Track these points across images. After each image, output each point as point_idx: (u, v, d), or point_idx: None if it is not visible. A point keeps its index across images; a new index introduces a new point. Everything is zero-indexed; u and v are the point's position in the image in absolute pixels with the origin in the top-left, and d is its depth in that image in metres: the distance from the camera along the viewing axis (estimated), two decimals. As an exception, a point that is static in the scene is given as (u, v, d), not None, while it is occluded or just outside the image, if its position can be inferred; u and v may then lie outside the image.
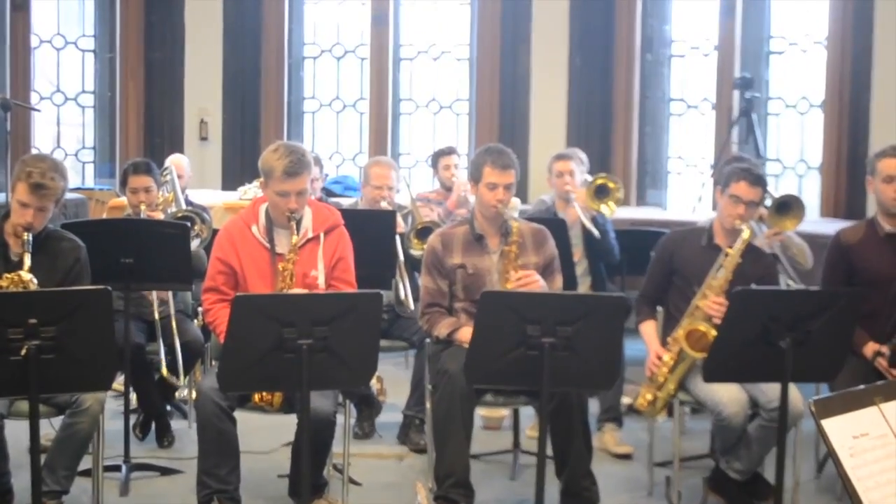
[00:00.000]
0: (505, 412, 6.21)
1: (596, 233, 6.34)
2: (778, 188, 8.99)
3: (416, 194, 7.47)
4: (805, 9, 9.23)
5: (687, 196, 9.86)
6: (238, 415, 4.67)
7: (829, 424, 2.68)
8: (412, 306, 6.13)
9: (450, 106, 10.56)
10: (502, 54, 10.09)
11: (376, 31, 10.34)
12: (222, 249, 4.91)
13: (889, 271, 5.01)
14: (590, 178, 6.65)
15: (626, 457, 5.89)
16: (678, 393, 5.09)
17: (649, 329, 5.29)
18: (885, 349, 4.91)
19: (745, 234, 5.00)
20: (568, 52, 9.92)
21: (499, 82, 10.11)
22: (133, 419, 5.83)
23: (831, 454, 2.66)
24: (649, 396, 5.11)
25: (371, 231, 5.86)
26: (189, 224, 5.78)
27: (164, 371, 5.86)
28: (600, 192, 6.43)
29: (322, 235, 4.93)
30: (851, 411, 2.73)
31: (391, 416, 6.29)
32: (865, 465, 2.66)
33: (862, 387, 2.83)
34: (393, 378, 6.81)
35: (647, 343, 5.27)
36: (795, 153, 9.36)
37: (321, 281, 4.88)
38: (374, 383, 6.28)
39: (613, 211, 6.45)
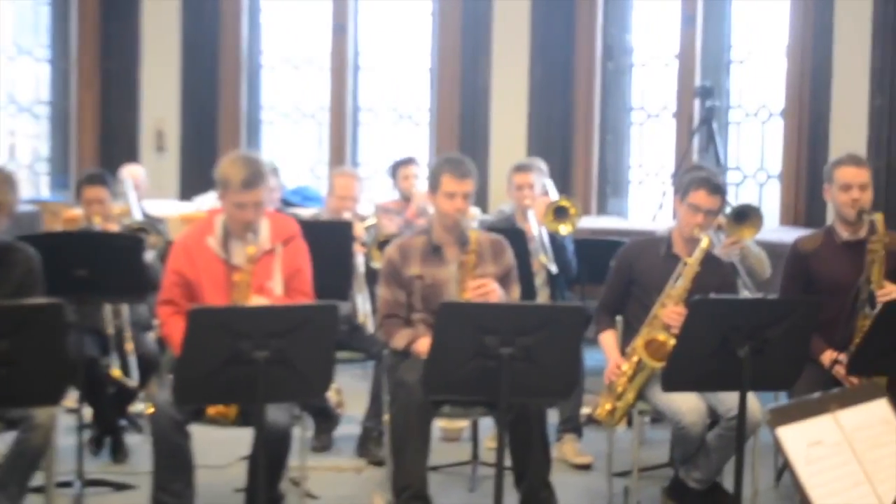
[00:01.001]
0: (464, 423, 6.19)
1: (553, 269, 6.32)
2: (738, 197, 9.04)
3: (375, 204, 7.46)
4: (765, 17, 9.26)
5: (648, 205, 9.87)
6: (193, 428, 4.60)
7: (784, 432, 2.67)
8: (370, 323, 6.10)
9: (410, 116, 10.54)
10: (463, 63, 10.08)
11: (336, 40, 10.30)
12: (178, 261, 4.86)
13: (847, 279, 5.01)
14: (550, 184, 6.64)
15: (585, 467, 5.88)
16: (637, 402, 5.08)
17: (608, 339, 5.28)
18: (842, 357, 4.89)
19: (704, 243, 5.00)
20: (529, 61, 9.92)
21: (459, 91, 10.09)
22: (87, 434, 5.77)
23: (787, 462, 2.65)
24: (608, 406, 5.09)
25: (329, 242, 5.82)
26: (143, 236, 5.73)
27: (117, 372, 5.77)
28: (559, 214, 6.41)
29: (279, 247, 4.88)
30: (807, 419, 2.72)
31: (350, 428, 6.25)
32: (821, 472, 2.65)
33: (817, 395, 2.83)
34: (351, 390, 6.76)
35: (606, 353, 5.25)
36: (756, 162, 9.37)
37: (278, 293, 4.84)
38: (331, 395, 6.24)
39: (570, 232, 6.43)
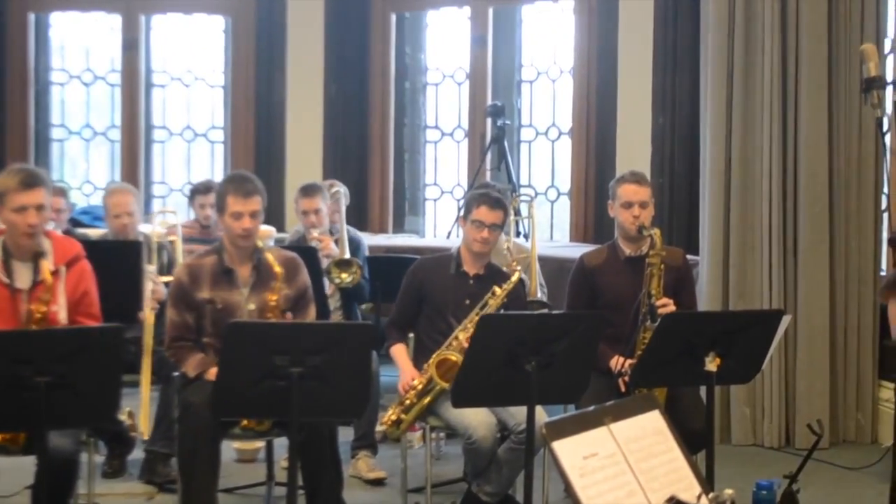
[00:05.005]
0: (260, 444, 6.13)
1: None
2: (531, 214, 9.21)
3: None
4: (553, 39, 9.48)
5: (444, 223, 9.97)
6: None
7: (559, 446, 2.73)
8: None
9: (204, 134, 10.39)
10: (257, 81, 9.99)
11: (127, 56, 10.09)
12: (-44, 286, 4.69)
13: (630, 293, 5.16)
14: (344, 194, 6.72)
15: (379, 482, 5.90)
16: (430, 418, 5.14)
17: (400, 351, 5.35)
18: (627, 367, 5.02)
19: (514, 277, 5.21)
20: (323, 79, 9.90)
21: (254, 110, 10.00)
22: None
23: (562, 475, 2.71)
24: (394, 417, 5.15)
25: (117, 262, 5.69)
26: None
27: None
28: (342, 265, 6.40)
29: (63, 269, 4.75)
30: (582, 432, 2.80)
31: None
32: (595, 484, 2.73)
33: (592, 408, 2.91)
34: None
35: (399, 364, 5.31)
36: (547, 179, 9.59)
37: (63, 316, 4.70)
38: (125, 418, 6.11)
39: (353, 282, 6.43)
